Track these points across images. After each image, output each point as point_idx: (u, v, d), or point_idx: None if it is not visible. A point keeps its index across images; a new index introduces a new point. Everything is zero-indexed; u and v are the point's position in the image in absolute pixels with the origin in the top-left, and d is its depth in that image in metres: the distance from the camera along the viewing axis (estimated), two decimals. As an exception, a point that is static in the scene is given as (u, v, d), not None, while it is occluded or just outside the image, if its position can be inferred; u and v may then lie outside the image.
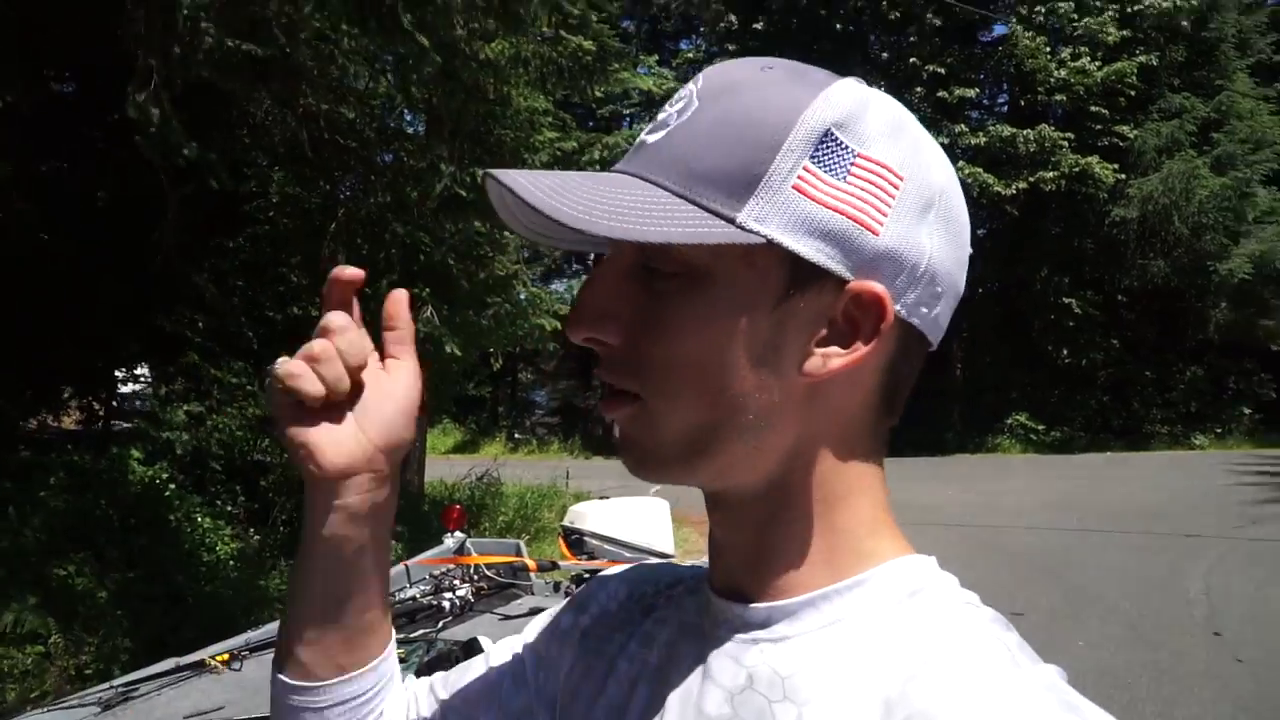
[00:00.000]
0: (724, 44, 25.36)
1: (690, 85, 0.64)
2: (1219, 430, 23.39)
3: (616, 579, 0.85)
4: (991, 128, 23.11)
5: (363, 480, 0.72)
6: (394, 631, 0.84)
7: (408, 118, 8.77)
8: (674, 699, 0.68)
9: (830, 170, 0.59)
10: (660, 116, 0.64)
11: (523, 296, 9.85)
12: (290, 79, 6.08)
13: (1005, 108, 25.81)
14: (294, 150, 6.96)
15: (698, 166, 0.59)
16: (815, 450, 0.65)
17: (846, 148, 0.60)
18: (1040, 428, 23.59)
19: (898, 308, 0.62)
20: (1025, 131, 22.33)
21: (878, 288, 0.60)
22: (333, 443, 0.70)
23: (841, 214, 0.59)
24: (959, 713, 0.53)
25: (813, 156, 0.59)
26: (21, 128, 5.63)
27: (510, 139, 8.35)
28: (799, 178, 0.59)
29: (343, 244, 7.51)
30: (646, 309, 0.62)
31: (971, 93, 23.63)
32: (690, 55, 26.53)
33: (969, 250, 0.67)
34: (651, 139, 0.63)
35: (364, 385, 0.72)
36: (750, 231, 0.58)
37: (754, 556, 0.67)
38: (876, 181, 0.60)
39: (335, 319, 0.71)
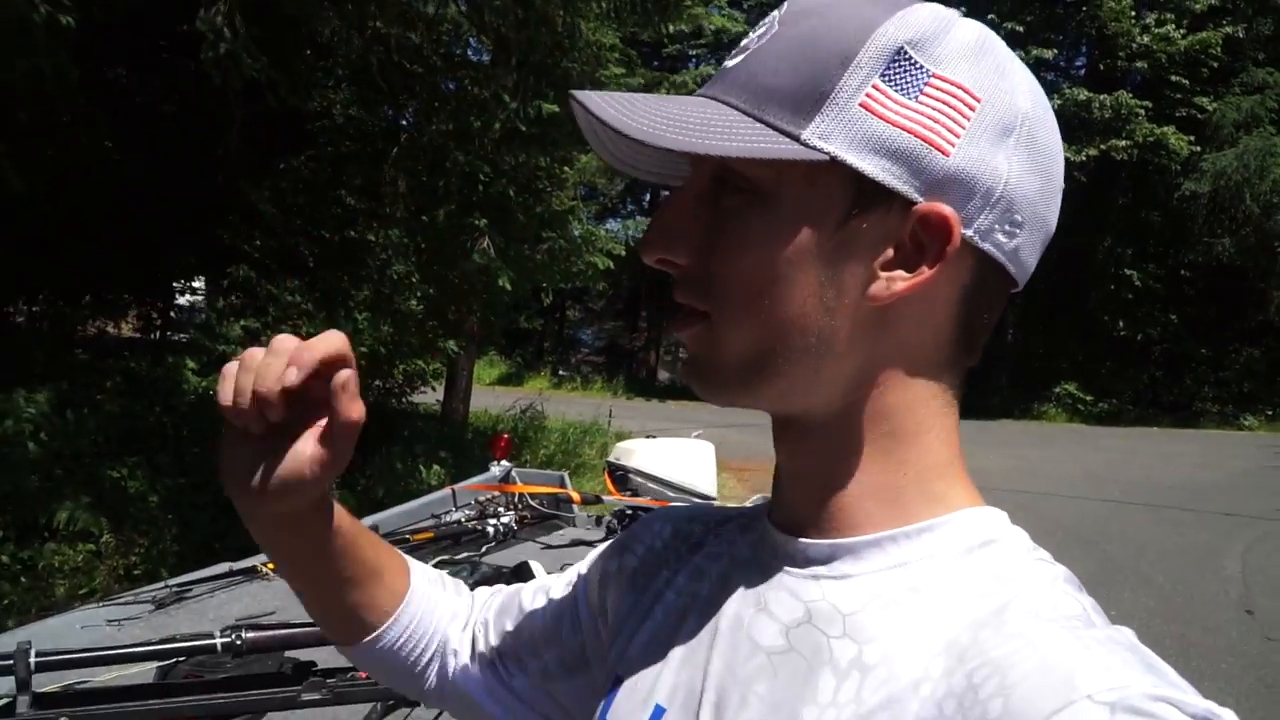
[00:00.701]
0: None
1: (775, 11, 0.64)
2: (1270, 412, 22.95)
3: (661, 519, 0.84)
4: (1068, 91, 22.56)
5: (260, 512, 0.73)
6: (410, 576, 0.87)
7: (474, 46, 8.71)
8: (725, 629, 0.68)
9: (901, 89, 0.58)
10: (743, 43, 0.65)
11: (578, 233, 9.83)
12: (359, 0, 6.06)
13: (1083, 71, 25.20)
14: (359, 73, 6.96)
15: (767, 84, 0.60)
16: (884, 379, 0.63)
17: (920, 66, 0.59)
18: (1089, 398, 23.31)
19: (969, 232, 0.60)
20: (1101, 97, 21.78)
21: (945, 209, 0.58)
22: (240, 461, 0.70)
23: (910, 133, 0.58)
24: (1036, 666, 0.51)
25: (883, 74, 0.58)
26: (91, 34, 5.67)
27: (577, 72, 8.27)
28: (867, 95, 0.58)
29: (403, 170, 7.53)
30: (714, 229, 0.63)
31: (1049, 54, 23.03)
32: (762, -3, 26.05)
33: (1060, 185, 0.64)
34: (731, 63, 0.64)
35: (294, 424, 0.69)
36: (813, 148, 0.58)
37: (819, 489, 0.65)
38: (951, 102, 0.59)
39: (278, 341, 0.69)
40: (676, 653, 0.71)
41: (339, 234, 8.42)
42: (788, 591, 0.65)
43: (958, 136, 0.58)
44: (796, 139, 0.58)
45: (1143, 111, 21.73)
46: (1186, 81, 22.29)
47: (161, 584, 2.46)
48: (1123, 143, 21.66)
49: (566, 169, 9.42)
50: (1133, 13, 22.15)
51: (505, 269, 7.80)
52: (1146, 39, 21.96)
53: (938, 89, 0.59)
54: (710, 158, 0.60)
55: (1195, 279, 24.25)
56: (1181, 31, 21.95)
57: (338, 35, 7.13)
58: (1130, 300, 23.83)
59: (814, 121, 0.58)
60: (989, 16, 22.53)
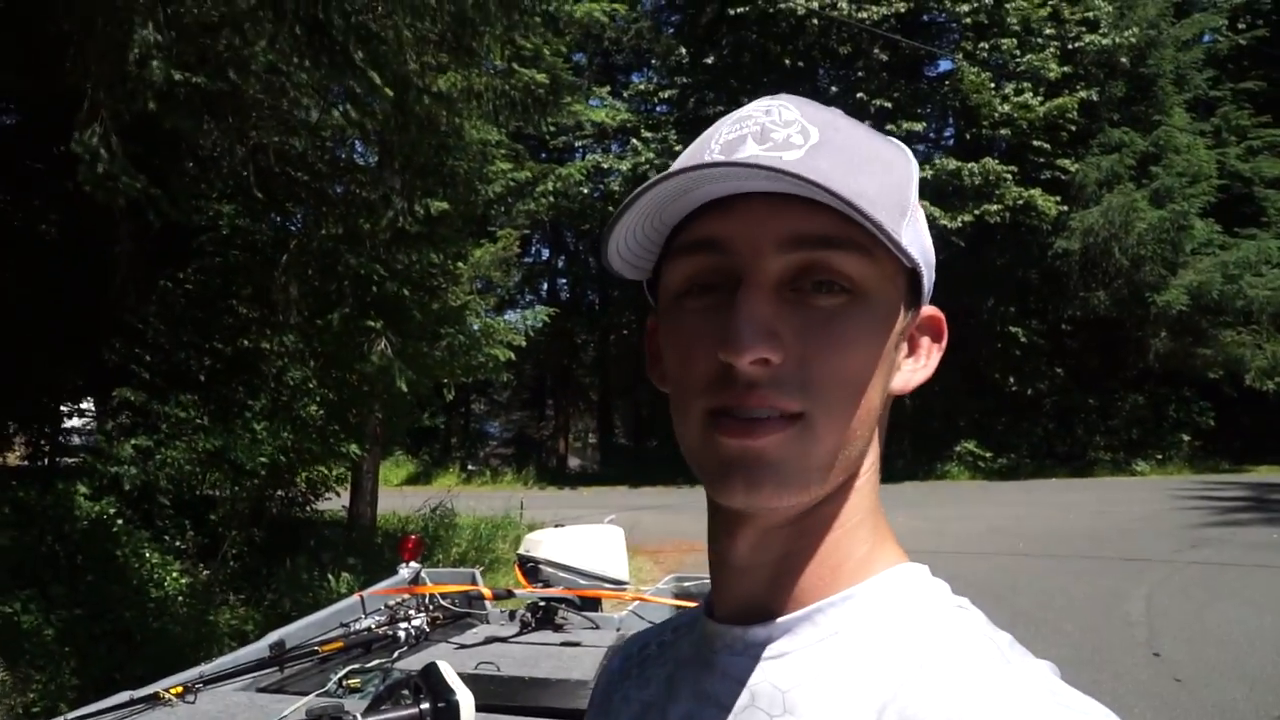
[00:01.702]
0: (675, 76, 25.61)
1: (782, 113, 0.65)
2: (1160, 457, 23.86)
3: (608, 660, 0.89)
4: (938, 161, 23.52)
5: None
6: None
7: (359, 149, 8.79)
8: None
9: (917, 210, 0.68)
10: (751, 133, 0.64)
11: (476, 327, 9.85)
12: (240, 112, 6.08)
13: (951, 141, 26.31)
14: (244, 183, 6.94)
15: (864, 189, 0.61)
16: (867, 464, 0.69)
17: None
18: (988, 455, 23.90)
19: None
20: (970, 165, 22.74)
21: (938, 311, 0.72)
22: None
23: (930, 247, 0.69)
24: (950, 711, 0.56)
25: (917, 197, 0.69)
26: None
27: (464, 170, 8.40)
28: (915, 211, 0.68)
29: (295, 275, 7.48)
30: (810, 326, 0.62)
31: (919, 126, 24.04)
32: (642, 87, 26.73)
33: None
34: (789, 156, 0.62)
35: None
36: (909, 255, 0.64)
37: (773, 575, 0.67)
38: (924, 219, 0.70)
39: None
40: None
41: (231, 344, 8.30)
42: (733, 679, 0.67)
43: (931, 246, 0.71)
44: (899, 245, 0.62)
45: (1010, 176, 22.69)
46: (1048, 145, 23.37)
47: (60, 718, 2.36)
48: (995, 207, 22.54)
49: (460, 264, 9.47)
50: (992, 84, 23.26)
51: (404, 369, 7.77)
52: (1007, 108, 23.02)
53: (919, 209, 0.69)
54: (811, 250, 0.62)
55: (1076, 332, 25.20)
56: (1039, 99, 23.07)
57: (219, 147, 7.13)
58: (1018, 356, 24.63)
59: (903, 230, 0.64)
60: (858, 95, 23.52)
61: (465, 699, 1.58)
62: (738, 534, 0.67)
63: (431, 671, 1.65)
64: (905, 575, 0.68)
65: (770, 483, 0.62)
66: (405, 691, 2.00)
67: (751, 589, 0.68)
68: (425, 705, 1.60)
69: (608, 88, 26.69)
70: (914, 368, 0.71)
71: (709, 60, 24.84)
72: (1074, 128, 23.47)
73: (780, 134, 0.63)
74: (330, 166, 7.64)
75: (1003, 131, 23.59)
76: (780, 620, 0.66)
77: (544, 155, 24.69)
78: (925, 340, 0.72)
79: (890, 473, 22.64)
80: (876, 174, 0.64)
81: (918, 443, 24.41)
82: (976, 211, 22.62)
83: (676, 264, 0.66)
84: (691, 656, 0.73)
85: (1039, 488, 20.33)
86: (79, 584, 6.12)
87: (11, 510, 6.22)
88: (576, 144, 26.21)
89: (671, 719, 0.71)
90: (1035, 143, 23.32)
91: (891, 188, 0.65)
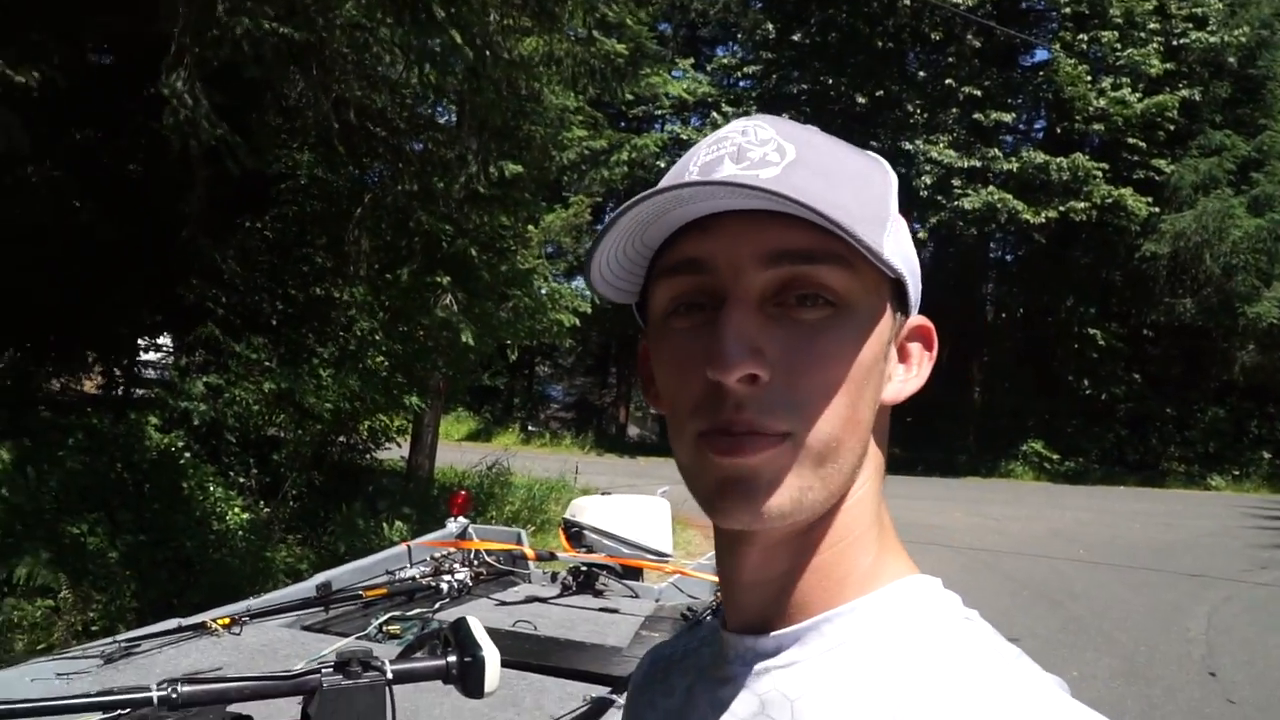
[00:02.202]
0: (760, 51, 25.36)
1: (758, 132, 0.66)
2: (1236, 473, 23.15)
3: (642, 659, 0.89)
4: (1025, 154, 23.01)
5: None
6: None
7: (440, 109, 8.84)
8: None
9: (898, 221, 0.69)
10: (727, 154, 0.65)
11: (543, 291, 9.90)
12: (324, 65, 6.15)
13: (1041, 134, 25.68)
14: (325, 134, 7.04)
15: (842, 201, 0.62)
16: (863, 477, 0.68)
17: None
18: (1055, 456, 23.46)
19: None
20: (1059, 159, 22.21)
21: (927, 321, 0.72)
22: None
23: (914, 258, 0.70)
24: None
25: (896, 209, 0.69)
26: (58, 97, 5.71)
27: (540, 135, 8.41)
28: (895, 223, 0.67)
29: (367, 229, 7.58)
30: (795, 341, 0.62)
31: (1008, 117, 23.52)
32: (725, 61, 26.54)
33: None
34: (766, 174, 0.62)
35: None
36: (892, 267, 0.65)
37: (779, 591, 0.68)
38: (906, 230, 0.70)
39: None
40: None
41: (304, 291, 8.45)
42: (745, 689, 0.68)
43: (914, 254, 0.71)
44: (880, 256, 0.62)
45: (1100, 173, 22.14)
46: (1143, 144, 22.73)
47: (110, 639, 2.45)
48: (1081, 204, 22.03)
49: (531, 228, 9.50)
50: (1089, 78, 22.65)
51: (468, 325, 7.84)
52: (1103, 102, 22.41)
53: (901, 220, 0.69)
54: (792, 265, 0.62)
55: (1158, 338, 24.56)
56: (1138, 95, 22.42)
57: (304, 98, 7.23)
58: (1094, 359, 24.09)
59: (884, 241, 0.65)
60: (947, 82, 23.05)
61: (491, 655, 1.59)
62: (740, 552, 0.68)
63: (461, 626, 1.66)
64: (912, 587, 0.68)
65: (761, 500, 0.62)
66: (436, 643, 2.03)
67: (759, 603, 0.69)
68: (452, 658, 1.61)
69: (691, 60, 26.54)
70: (905, 377, 0.71)
71: (795, 37, 24.55)
72: (1173, 127, 22.78)
73: (756, 153, 0.64)
74: (409, 123, 7.70)
75: (1096, 127, 22.96)
76: (788, 630, 0.67)
77: (622, 125, 24.63)
78: (916, 349, 0.72)
79: (953, 468, 22.56)
80: (854, 187, 0.65)
81: (983, 439, 24.06)
82: (1062, 208, 22.12)
83: (661, 286, 0.67)
84: (709, 666, 0.74)
85: (1106, 494, 19.93)
86: (145, 511, 6.31)
87: (84, 436, 6.42)
88: (656, 114, 26.11)
89: None
90: (1130, 140, 22.68)
91: (870, 200, 0.65)
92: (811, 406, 0.62)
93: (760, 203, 0.60)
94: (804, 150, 0.64)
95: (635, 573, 3.89)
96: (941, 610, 0.66)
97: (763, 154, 0.63)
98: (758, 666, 0.68)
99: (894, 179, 0.70)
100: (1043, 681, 0.59)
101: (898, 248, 0.66)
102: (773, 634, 0.68)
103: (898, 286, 0.67)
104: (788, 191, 0.58)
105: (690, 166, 0.66)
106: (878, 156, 0.71)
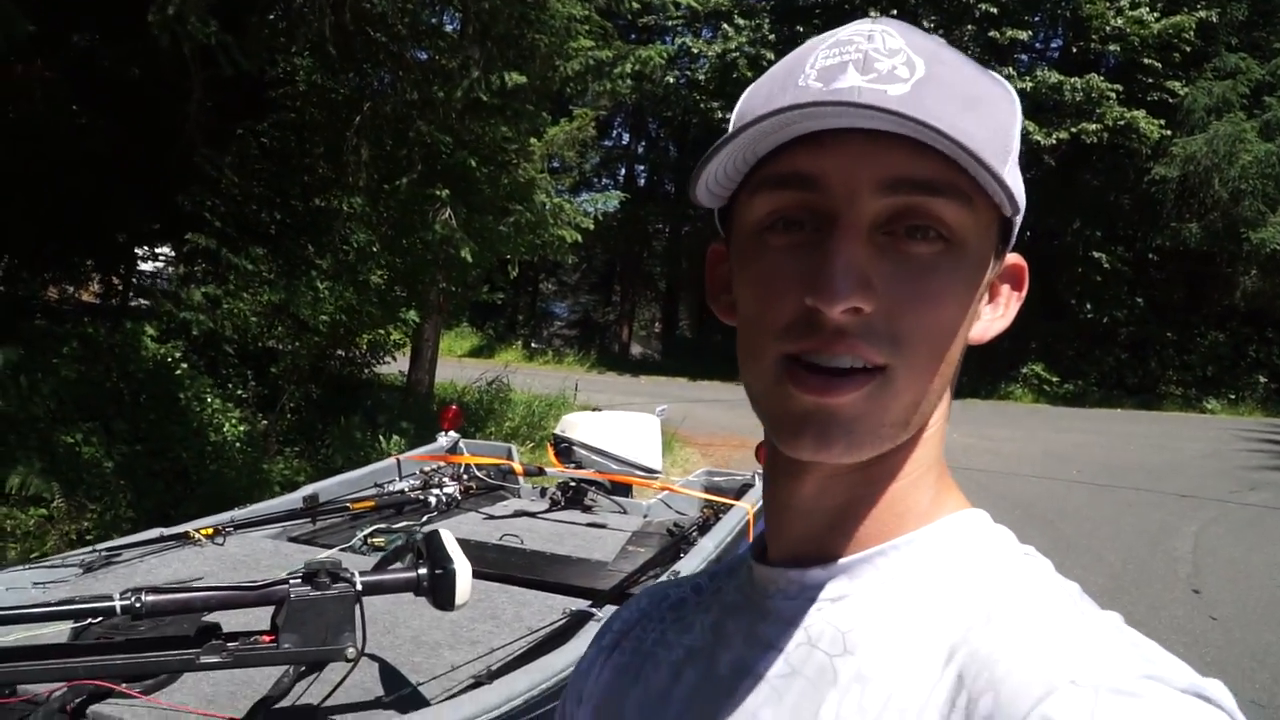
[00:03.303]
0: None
1: (886, 40, 0.60)
2: (1233, 396, 23.20)
3: (628, 604, 0.85)
4: (1040, 73, 22.61)
5: None
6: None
7: (445, 17, 8.66)
8: (727, 672, 0.68)
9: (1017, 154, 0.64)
10: (852, 61, 0.59)
11: (545, 206, 9.79)
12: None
13: (1057, 54, 25.20)
14: (322, 39, 6.90)
15: (971, 130, 0.57)
16: (937, 415, 0.66)
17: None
18: (1054, 379, 23.52)
19: None
20: (1073, 80, 21.83)
21: (1022, 260, 0.68)
22: None
23: (1023, 192, 0.63)
24: (1022, 658, 0.53)
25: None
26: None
27: (545, 44, 8.24)
28: (1015, 157, 0.63)
29: (366, 138, 7.48)
30: (903, 275, 0.59)
31: (1023, 35, 23.06)
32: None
33: None
34: (894, 90, 0.57)
35: None
36: (1016, 204, 0.60)
37: (834, 521, 0.66)
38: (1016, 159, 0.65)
39: None
40: (678, 705, 0.71)
41: (302, 202, 8.38)
42: (786, 622, 0.66)
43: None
44: (1011, 194, 0.59)
45: (1114, 95, 21.79)
46: (1159, 65, 22.34)
47: (91, 549, 2.47)
48: (1093, 126, 21.72)
49: (534, 140, 9.37)
50: (1107, -5, 22.21)
51: (466, 240, 7.78)
52: (1120, 21, 21.97)
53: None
54: (910, 195, 0.58)
55: (1163, 263, 24.41)
56: (1155, 14, 21.98)
57: (305, 1, 7.07)
58: (1098, 282, 23.98)
59: (1006, 174, 0.59)
60: (964, -2, 22.56)
61: (463, 568, 1.61)
62: (802, 478, 0.65)
63: (434, 539, 1.67)
64: (969, 521, 0.66)
65: (842, 441, 0.59)
66: (410, 556, 2.05)
67: (810, 532, 0.67)
68: (423, 571, 1.62)
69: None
70: (992, 317, 0.68)
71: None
72: (1188, 49, 22.32)
73: (885, 64, 0.58)
74: (411, 30, 7.54)
75: (1112, 47, 22.53)
76: (840, 562, 0.65)
77: (632, 36, 24.18)
78: (1005, 289, 0.69)
79: (954, 389, 22.54)
80: (982, 114, 0.60)
81: (983, 360, 24.05)
82: (1074, 129, 21.80)
83: (761, 197, 0.62)
84: (741, 602, 0.72)
85: (1104, 417, 20.02)
86: (140, 421, 6.33)
87: (80, 345, 6.41)
88: (666, 24, 25.62)
89: (722, 664, 0.69)
90: (1145, 61, 22.26)
91: (998, 130, 0.61)
92: (910, 344, 0.59)
93: (888, 124, 0.55)
94: (934, 67, 0.59)
95: (624, 489, 3.92)
96: (999, 545, 0.65)
97: (891, 66, 0.58)
98: (804, 600, 0.66)
99: (1019, 108, 0.65)
100: (1104, 618, 0.57)
101: (1016, 183, 0.61)
102: (823, 566, 0.65)
103: (1005, 225, 0.64)
104: (920, 115, 0.54)
105: (806, 70, 0.60)
106: (1004, 81, 0.65)
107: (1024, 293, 0.69)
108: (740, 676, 0.67)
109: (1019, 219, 0.65)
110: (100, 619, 1.50)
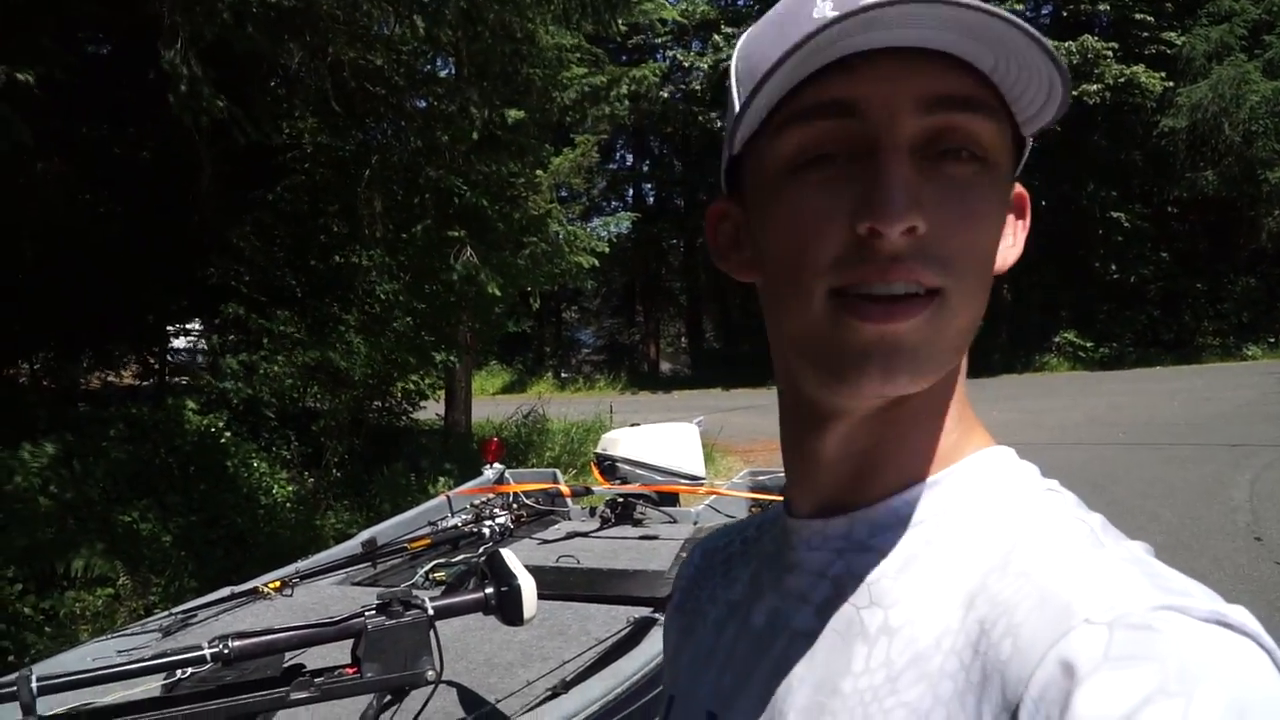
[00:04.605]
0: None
1: None
2: (1272, 340, 22.92)
3: (692, 552, 0.86)
4: (1033, 40, 22.54)
5: None
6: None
7: (439, 63, 8.80)
8: (762, 626, 0.69)
9: None
10: None
11: (559, 235, 9.90)
12: (315, 29, 6.13)
13: (1048, 19, 25.13)
14: (324, 99, 7.04)
15: (1002, 37, 0.54)
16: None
17: None
18: (1088, 344, 23.33)
19: None
20: (1067, 43, 21.76)
21: (1022, 187, 0.66)
22: None
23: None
24: (1038, 600, 0.52)
25: None
26: (59, 92, 5.75)
27: (539, 77, 8.36)
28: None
29: (378, 190, 7.60)
30: (947, 195, 0.57)
31: (1018, 6, 23.02)
32: (720, -18, 26.11)
33: None
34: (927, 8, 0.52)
35: None
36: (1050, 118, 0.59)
37: (858, 468, 0.65)
38: None
39: None
40: (720, 659, 0.72)
41: (323, 261, 8.52)
42: (813, 574, 0.66)
43: None
44: (1061, 103, 0.58)
45: (1110, 53, 21.70)
46: (1152, 18, 22.28)
47: (166, 613, 2.55)
48: (1094, 86, 21.64)
49: (540, 173, 9.48)
50: (1092, -46, 22.15)
51: (491, 275, 7.89)
52: (1108, -21, 21.93)
53: None
54: (949, 113, 0.56)
55: (1183, 215, 24.24)
56: (1143, -32, 21.92)
57: (302, 66, 7.23)
58: (1120, 242, 23.82)
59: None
60: (949, -25, 22.49)
61: (527, 583, 1.66)
62: (827, 427, 0.64)
63: (495, 559, 1.73)
64: (992, 458, 0.65)
65: (908, 369, 0.57)
66: (474, 579, 2.11)
67: (834, 482, 0.65)
68: (490, 589, 1.68)
69: (686, -19, 26.10)
70: (1006, 245, 0.65)
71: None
72: (1180, -2, 22.23)
73: None
74: (408, 80, 7.67)
75: (1102, 6, 22.45)
76: (863, 511, 0.64)
77: (623, 58, 24.34)
78: (1011, 218, 0.66)
79: (987, 366, 22.44)
80: (1012, 35, 0.55)
81: (1015, 335, 23.91)
82: (1075, 92, 21.61)
83: (789, 134, 0.59)
84: (774, 553, 0.72)
85: (1143, 377, 19.82)
86: (193, 493, 6.46)
87: (125, 426, 6.54)
88: (655, 42, 25.79)
89: (756, 617, 0.70)
90: (1138, 16, 22.18)
91: (1026, 49, 0.56)
92: (962, 263, 0.57)
93: (929, 33, 0.53)
94: None
95: (671, 498, 3.97)
96: (1022, 482, 0.63)
97: None
98: (830, 550, 0.65)
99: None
100: (1131, 549, 0.56)
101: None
102: (847, 515, 0.65)
103: (1019, 147, 0.62)
104: (959, 27, 0.53)
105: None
106: None
107: (1028, 221, 0.67)
108: (773, 629, 0.67)
109: (1030, 140, 0.63)
110: (191, 670, 1.57)
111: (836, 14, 0.53)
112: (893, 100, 0.56)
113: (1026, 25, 0.52)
